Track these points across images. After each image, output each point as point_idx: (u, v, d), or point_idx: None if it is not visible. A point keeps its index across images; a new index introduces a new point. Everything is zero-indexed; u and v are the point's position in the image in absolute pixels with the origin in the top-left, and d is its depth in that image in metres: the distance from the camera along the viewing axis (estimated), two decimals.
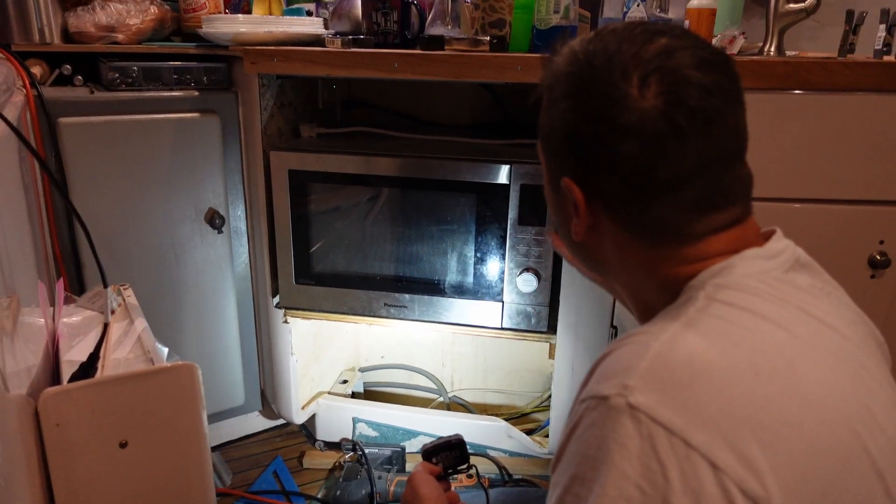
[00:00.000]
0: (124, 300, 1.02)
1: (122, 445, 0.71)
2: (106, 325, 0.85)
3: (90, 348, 0.80)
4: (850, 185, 1.07)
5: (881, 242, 1.09)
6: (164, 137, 1.19)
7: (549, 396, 1.75)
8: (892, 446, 0.48)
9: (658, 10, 1.41)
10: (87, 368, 0.73)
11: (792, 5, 1.39)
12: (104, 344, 0.81)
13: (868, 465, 0.46)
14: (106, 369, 0.79)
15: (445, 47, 1.12)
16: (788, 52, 1.48)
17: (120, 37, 1.25)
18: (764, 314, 0.49)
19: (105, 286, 0.92)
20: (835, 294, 0.56)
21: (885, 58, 1.29)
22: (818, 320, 0.51)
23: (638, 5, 1.40)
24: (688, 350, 0.46)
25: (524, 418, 1.74)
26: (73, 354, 0.82)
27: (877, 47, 1.35)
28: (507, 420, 1.73)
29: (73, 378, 0.72)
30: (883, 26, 1.34)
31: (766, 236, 0.57)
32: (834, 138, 1.05)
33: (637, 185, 0.52)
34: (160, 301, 1.26)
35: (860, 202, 1.08)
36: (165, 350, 0.82)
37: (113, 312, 0.89)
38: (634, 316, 0.63)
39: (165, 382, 0.74)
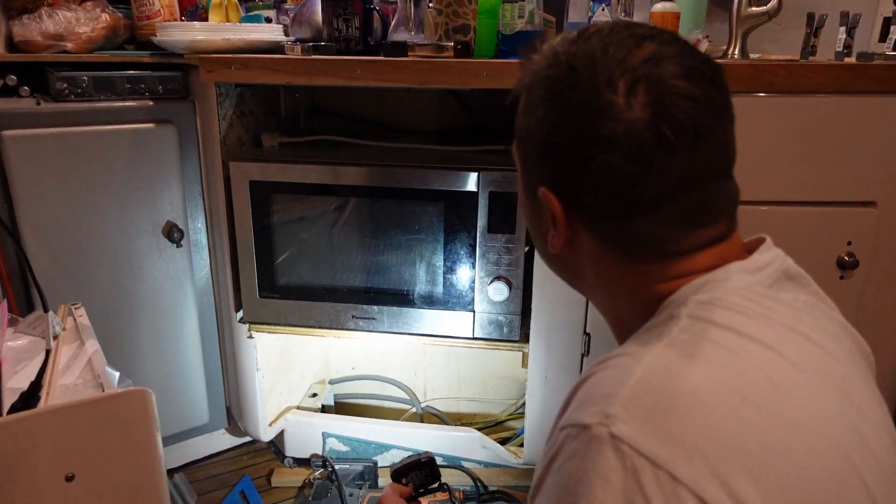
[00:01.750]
0: (76, 320, 0.97)
1: (69, 479, 0.67)
2: (48, 352, 0.80)
3: (34, 375, 0.76)
4: (817, 187, 1.07)
5: (849, 243, 1.09)
6: (117, 149, 1.15)
7: (524, 403, 1.73)
8: (884, 472, 0.46)
9: (623, 13, 1.40)
10: (28, 398, 0.69)
11: (754, 8, 1.40)
12: (49, 370, 0.77)
13: (864, 494, 0.44)
14: (52, 397, 0.74)
15: (409, 53, 1.10)
16: (752, 55, 1.49)
17: (69, 45, 1.20)
18: (749, 334, 0.46)
19: (46, 310, 0.87)
20: (819, 307, 0.54)
21: (847, 59, 1.31)
22: (805, 338, 0.49)
23: (603, 9, 1.39)
24: (671, 375, 0.44)
25: (499, 427, 1.71)
26: (17, 381, 0.77)
27: (837, 49, 1.36)
28: (481, 429, 1.71)
29: (13, 409, 0.67)
30: (843, 29, 1.35)
31: (752, 246, 0.55)
32: (799, 140, 1.05)
33: (620, 200, 0.49)
34: (117, 318, 1.21)
35: (827, 203, 1.09)
36: (116, 374, 0.78)
37: (56, 338, 0.84)
38: (611, 329, 0.61)
39: (115, 410, 0.70)
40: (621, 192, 0.49)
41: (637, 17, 1.43)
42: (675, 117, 0.47)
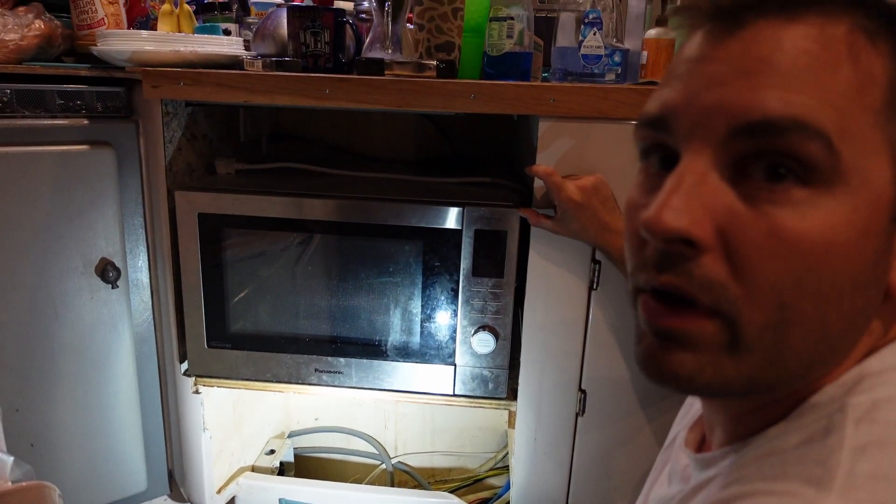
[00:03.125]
0: None
1: None
2: None
3: None
4: None
5: None
6: (42, 174, 0.98)
7: (505, 455, 1.58)
8: None
9: (614, 39, 1.31)
10: None
11: None
12: None
13: None
14: None
15: (386, 72, 0.97)
16: None
17: None
18: None
19: None
20: None
21: None
22: None
23: (594, 34, 1.29)
24: None
25: (478, 485, 1.56)
26: None
27: None
28: (459, 488, 1.56)
29: None
30: None
31: None
32: None
33: None
34: (36, 372, 1.03)
35: None
36: (9, 460, 0.61)
37: None
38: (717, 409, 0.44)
39: None
40: None
41: (629, 44, 1.34)
42: None
